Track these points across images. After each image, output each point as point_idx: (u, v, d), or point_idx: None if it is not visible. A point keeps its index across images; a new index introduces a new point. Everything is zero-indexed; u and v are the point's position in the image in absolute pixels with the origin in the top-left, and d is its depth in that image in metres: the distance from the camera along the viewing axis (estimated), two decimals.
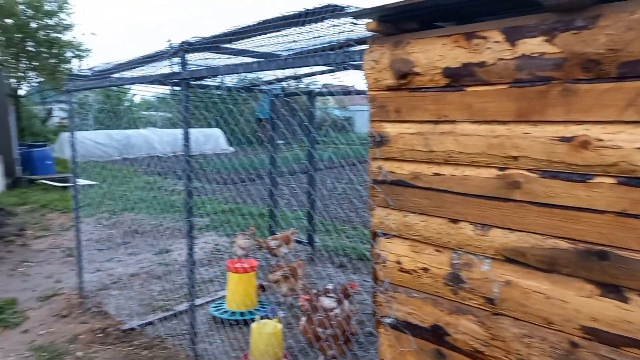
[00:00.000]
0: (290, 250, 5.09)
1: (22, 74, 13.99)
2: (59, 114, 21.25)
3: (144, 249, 6.12)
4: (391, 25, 1.91)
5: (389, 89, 1.94)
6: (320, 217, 6.69)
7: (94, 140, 16.96)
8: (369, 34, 2.01)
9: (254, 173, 11.10)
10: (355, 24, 2.22)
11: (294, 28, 2.56)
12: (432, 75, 1.78)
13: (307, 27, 2.55)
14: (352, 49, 2.15)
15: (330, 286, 3.42)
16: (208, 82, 4.34)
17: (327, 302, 3.16)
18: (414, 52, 1.83)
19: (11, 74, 13.16)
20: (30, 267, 5.51)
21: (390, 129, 1.94)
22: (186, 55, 3.14)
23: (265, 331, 2.98)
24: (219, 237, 6.71)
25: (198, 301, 4.03)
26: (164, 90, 4.69)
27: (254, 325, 3.08)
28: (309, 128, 5.47)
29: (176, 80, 3.22)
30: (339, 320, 2.93)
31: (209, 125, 19.77)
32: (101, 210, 8.11)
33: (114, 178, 11.00)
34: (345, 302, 3.12)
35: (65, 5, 13.55)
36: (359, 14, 1.95)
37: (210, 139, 20.60)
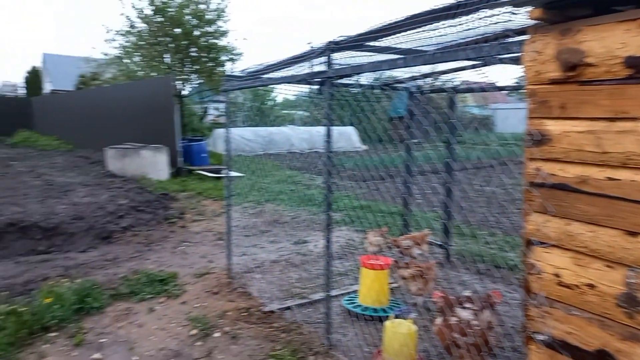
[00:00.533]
0: (422, 251, 4.97)
1: (186, 77, 15.95)
2: (213, 112, 23.81)
3: (283, 238, 6.52)
4: (558, 12, 1.73)
5: (553, 82, 1.75)
6: (459, 220, 6.41)
7: (241, 136, 18.63)
8: (529, 23, 1.85)
9: (386, 171, 11.11)
10: (514, 13, 2.06)
11: (443, 22, 2.48)
12: (609, 66, 1.56)
13: (458, 20, 2.44)
14: (510, 39, 2.00)
15: (467, 294, 3.26)
16: (344, 80, 4.44)
17: (464, 314, 3.00)
18: (587, 40, 1.62)
19: (177, 77, 15.06)
20: (188, 246, 6.24)
21: (553, 126, 1.76)
22: (332, 55, 3.24)
23: (400, 331, 2.95)
24: (351, 232, 6.84)
25: (332, 292, 4.15)
26: (303, 89, 4.93)
27: (387, 323, 3.07)
28: (448, 126, 5.27)
29: (318, 80, 3.36)
30: (480, 330, 2.76)
31: (343, 124, 20.34)
32: (247, 199, 8.86)
33: (258, 171, 11.93)
34: (486, 312, 2.94)
35: (223, 13, 15.10)
36: (520, 3, 1.80)
37: (343, 137, 21.13)
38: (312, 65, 3.61)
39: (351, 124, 20.83)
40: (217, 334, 3.74)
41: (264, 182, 10.93)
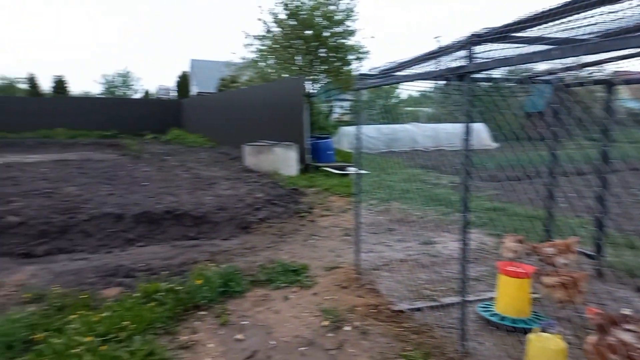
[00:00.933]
0: (569, 261, 4.50)
1: (315, 77, 16.59)
2: (338, 110, 24.43)
3: (410, 237, 6.43)
4: None
5: None
6: (612, 227, 5.68)
7: (366, 134, 18.81)
8: None
9: (523, 171, 10.27)
10: None
11: (604, 7, 2.23)
12: None
13: (620, 5, 2.18)
14: None
15: (627, 312, 2.86)
16: (477, 75, 4.19)
17: (625, 335, 2.65)
18: None
19: (307, 77, 15.74)
20: (317, 240, 6.48)
21: None
22: (473, 48, 3.09)
23: (548, 346, 2.71)
24: (483, 235, 6.48)
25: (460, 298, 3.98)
26: (429, 86, 4.78)
27: (532, 336, 2.85)
28: (600, 122, 4.69)
29: (456, 74, 3.22)
30: None
31: (472, 120, 19.26)
32: (373, 197, 8.92)
33: (382, 169, 11.93)
34: None
35: (351, 13, 15.39)
36: None
37: (473, 134, 20.07)
38: (439, 61, 3.48)
39: (482, 121, 19.72)
40: (347, 328, 3.83)
41: (389, 180, 10.88)
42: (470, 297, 4.19)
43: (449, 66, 3.31)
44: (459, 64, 3.20)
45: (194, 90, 40.30)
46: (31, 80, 36.08)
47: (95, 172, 11.24)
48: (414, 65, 3.93)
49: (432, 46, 3.50)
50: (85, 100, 30.98)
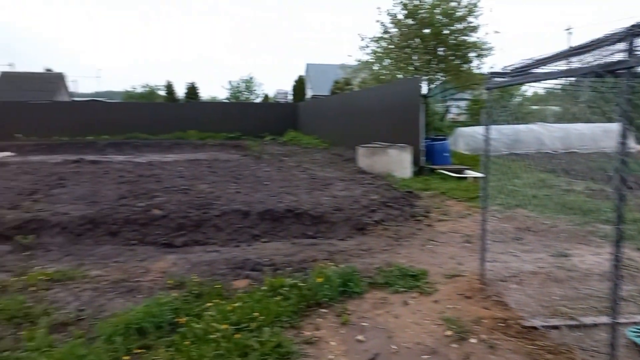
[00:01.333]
0: None
1: (431, 77, 16.13)
2: (454, 110, 23.48)
3: (539, 248, 5.93)
4: None
5: None
6: None
7: (483, 135, 17.81)
8: None
9: None
10: None
11: None
12: None
13: None
14: None
15: None
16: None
17: None
18: None
19: (424, 78, 15.37)
20: (436, 246, 6.28)
21: None
22: (634, 40, 2.73)
23: None
24: (631, 250, 5.73)
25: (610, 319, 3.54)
26: (562, 82, 4.33)
27: None
28: None
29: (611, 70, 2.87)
30: None
31: (608, 120, 17.23)
32: (494, 202, 8.38)
33: (505, 173, 11.16)
34: None
35: (474, 8, 14.67)
36: None
37: (609, 135, 17.93)
38: (583, 57, 3.12)
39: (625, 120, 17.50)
40: (473, 340, 3.64)
41: (513, 184, 10.15)
42: (621, 319, 3.73)
43: (592, 62, 2.97)
44: (614, 59, 2.86)
45: (308, 93, 41.82)
46: (168, 88, 40.39)
47: (223, 171, 12.18)
48: (556, 61, 3.60)
49: (564, 42, 3.17)
50: (213, 105, 33.92)
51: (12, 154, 19.60)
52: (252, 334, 3.61)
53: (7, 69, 46.51)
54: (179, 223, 6.78)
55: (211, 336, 3.51)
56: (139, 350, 3.45)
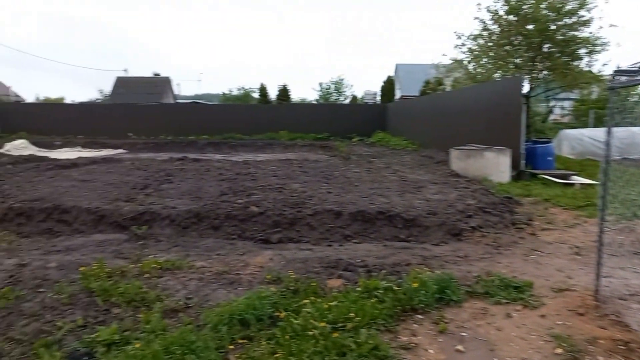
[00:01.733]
0: None
1: (535, 75, 15.06)
2: (557, 111, 21.75)
3: None
4: None
5: None
6: None
7: (592, 138, 16.32)
8: None
9: None
10: None
11: None
12: None
13: None
14: None
15: None
16: None
17: None
18: None
19: (525, 76, 14.39)
20: (540, 256, 5.85)
21: None
22: None
23: None
24: None
25: None
26: None
27: None
28: None
29: None
30: None
31: None
32: (607, 212, 7.61)
33: (619, 179, 10.12)
34: None
35: (587, 0, 13.44)
36: None
37: None
38: None
39: None
40: None
41: (630, 192, 9.16)
42: None
43: None
44: None
45: (397, 94, 41.25)
46: (262, 90, 42.10)
47: (314, 171, 12.42)
48: None
49: None
50: (303, 107, 34.82)
51: (125, 151, 21.70)
52: (348, 334, 3.63)
53: (122, 74, 51.47)
54: (275, 220, 7.03)
55: (309, 333, 3.58)
56: (242, 341, 3.62)
